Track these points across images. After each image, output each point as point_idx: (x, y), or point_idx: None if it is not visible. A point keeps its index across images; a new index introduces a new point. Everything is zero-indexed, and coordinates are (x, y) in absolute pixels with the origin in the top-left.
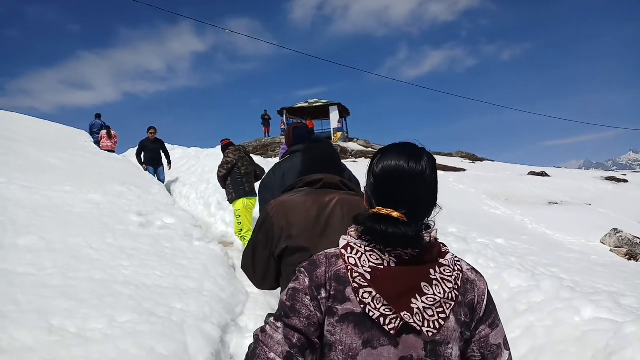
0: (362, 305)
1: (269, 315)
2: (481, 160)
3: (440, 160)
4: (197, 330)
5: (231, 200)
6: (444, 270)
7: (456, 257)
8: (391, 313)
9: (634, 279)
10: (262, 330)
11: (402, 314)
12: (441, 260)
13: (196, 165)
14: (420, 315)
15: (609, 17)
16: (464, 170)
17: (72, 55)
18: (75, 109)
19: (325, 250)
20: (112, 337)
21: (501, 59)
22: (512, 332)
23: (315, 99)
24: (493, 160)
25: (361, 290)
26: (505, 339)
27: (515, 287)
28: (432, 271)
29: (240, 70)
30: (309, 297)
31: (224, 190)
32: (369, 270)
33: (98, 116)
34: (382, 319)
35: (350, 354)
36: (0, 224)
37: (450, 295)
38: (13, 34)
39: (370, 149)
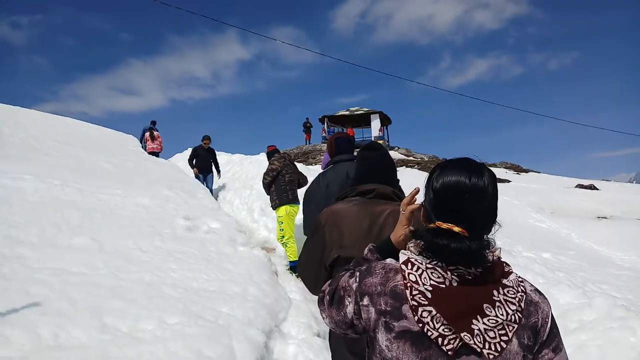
0: (420, 325)
1: (329, 285)
2: (526, 171)
3: None
4: (242, 335)
5: (274, 207)
6: (508, 291)
7: (519, 277)
8: (450, 333)
9: None
10: (321, 301)
11: (462, 334)
12: (504, 281)
13: (240, 172)
14: (481, 336)
15: None
16: (508, 181)
17: (121, 62)
18: (123, 114)
19: (385, 261)
20: (161, 338)
21: (549, 68)
22: None
23: (356, 107)
24: (539, 172)
25: (420, 309)
26: None
27: (565, 304)
28: (495, 292)
29: (283, 78)
30: (350, 299)
31: (267, 197)
32: (430, 288)
33: (153, 123)
34: (440, 339)
35: None
36: (56, 225)
37: (513, 317)
38: (68, 42)
39: (411, 158)
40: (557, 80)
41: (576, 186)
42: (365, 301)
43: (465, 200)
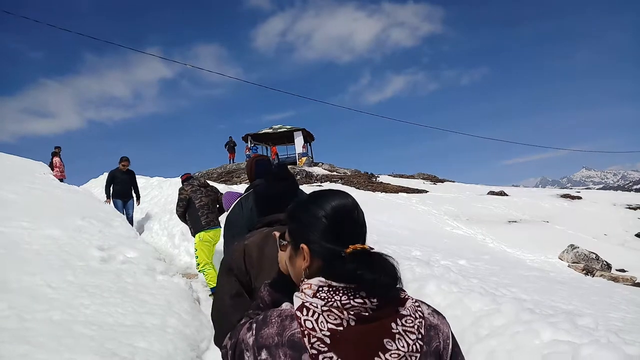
0: None
1: (229, 338)
2: (442, 181)
3: (402, 182)
4: None
5: (193, 235)
6: (406, 321)
7: (416, 301)
8: None
9: (591, 296)
10: (225, 357)
11: None
12: (401, 311)
13: (159, 196)
14: None
15: (562, 40)
16: (426, 191)
17: (33, 82)
18: (36, 138)
19: (281, 308)
20: None
21: (461, 83)
22: (474, 357)
23: (279, 125)
24: (454, 181)
25: (320, 357)
26: None
27: (477, 311)
28: (393, 325)
29: (207, 96)
30: (248, 354)
31: None
32: (328, 333)
33: (57, 149)
34: None
35: None
36: None
37: (414, 347)
38: None
39: (335, 173)
40: (469, 94)
41: (488, 193)
42: (264, 355)
43: (354, 217)
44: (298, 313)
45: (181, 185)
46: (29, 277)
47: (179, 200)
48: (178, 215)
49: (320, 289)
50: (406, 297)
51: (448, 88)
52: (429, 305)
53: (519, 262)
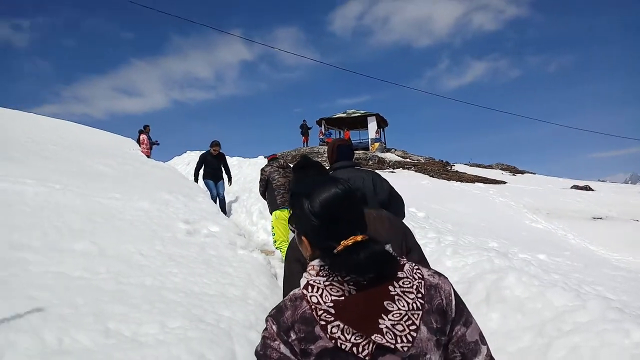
0: (333, 341)
1: None
2: (522, 172)
3: (479, 172)
4: (244, 338)
5: (270, 213)
6: (403, 282)
7: (414, 265)
8: (362, 340)
9: None
10: None
11: (373, 337)
12: (398, 274)
13: (239, 175)
14: (391, 333)
15: None
16: (504, 182)
17: (124, 62)
18: (124, 115)
19: (291, 293)
20: (164, 342)
21: (548, 70)
22: (557, 352)
23: (353, 110)
24: (534, 173)
25: (329, 326)
26: (481, 334)
27: (560, 306)
28: (390, 288)
29: (285, 79)
30: (277, 342)
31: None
32: (332, 304)
33: (147, 127)
34: (354, 348)
35: None
36: (57, 229)
37: (414, 305)
38: (70, 43)
39: (407, 160)
40: (556, 83)
41: (572, 187)
42: (293, 335)
43: (348, 208)
44: (304, 291)
45: (263, 166)
46: (122, 245)
47: (260, 180)
48: (260, 194)
49: (322, 267)
50: (403, 262)
51: (532, 75)
52: (429, 268)
53: (603, 261)
